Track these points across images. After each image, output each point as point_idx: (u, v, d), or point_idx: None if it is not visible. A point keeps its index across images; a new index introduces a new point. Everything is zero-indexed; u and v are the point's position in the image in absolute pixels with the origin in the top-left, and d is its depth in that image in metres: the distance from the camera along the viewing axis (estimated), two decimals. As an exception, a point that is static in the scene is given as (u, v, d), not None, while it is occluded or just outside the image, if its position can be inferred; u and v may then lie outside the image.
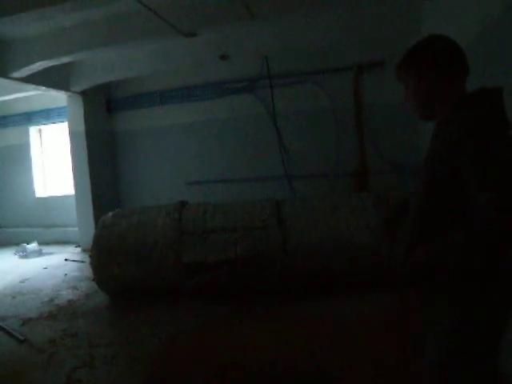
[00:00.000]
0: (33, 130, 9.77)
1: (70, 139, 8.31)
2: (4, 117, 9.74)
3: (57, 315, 4.59)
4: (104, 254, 4.74)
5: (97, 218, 6.94)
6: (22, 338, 3.95)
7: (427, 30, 5.45)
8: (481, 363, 1.51)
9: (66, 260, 7.33)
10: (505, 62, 3.55)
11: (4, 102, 8.80)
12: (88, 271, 5.76)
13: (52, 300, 5.13)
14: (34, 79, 6.86)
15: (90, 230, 6.83)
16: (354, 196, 5.01)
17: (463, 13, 4.20)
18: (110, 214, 5.13)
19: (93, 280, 5.05)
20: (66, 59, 6.38)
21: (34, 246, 8.28)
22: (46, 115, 9.39)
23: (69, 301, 5.05)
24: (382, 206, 4.52)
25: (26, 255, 7.92)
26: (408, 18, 5.81)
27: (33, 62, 6.19)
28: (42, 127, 9.81)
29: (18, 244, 8.35)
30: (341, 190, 7.12)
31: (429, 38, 1.65)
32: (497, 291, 1.47)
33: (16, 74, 6.40)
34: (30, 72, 6.48)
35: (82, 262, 7.05)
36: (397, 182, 6.81)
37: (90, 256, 4.93)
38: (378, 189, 6.60)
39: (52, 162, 9.97)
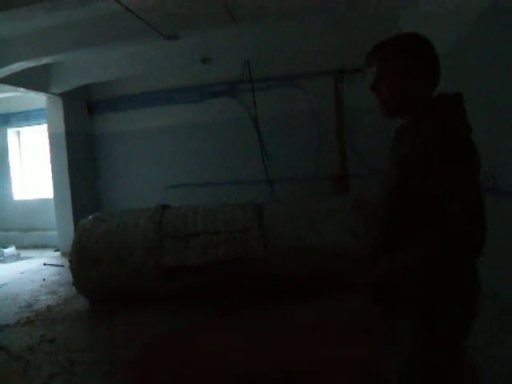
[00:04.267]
0: (11, 132, 9.59)
1: (50, 141, 8.19)
2: (-19, 118, 9.53)
3: (35, 321, 4.51)
4: (83, 258, 4.68)
5: (76, 221, 6.83)
6: (-1, 345, 3.87)
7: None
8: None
9: (44, 264, 7.20)
10: (480, 66, 3.65)
11: (-19, 103, 8.62)
12: (67, 276, 5.67)
13: (30, 305, 5.03)
14: (13, 80, 6.74)
15: (70, 234, 6.73)
16: (334, 199, 5.06)
17: (441, 21, 4.31)
18: (90, 217, 5.07)
19: (72, 285, 4.97)
20: (45, 60, 6.28)
21: (11, 250, 8.14)
22: (24, 117, 9.22)
23: (47, 306, 4.96)
24: (361, 208, 4.58)
25: (3, 260, 7.76)
26: (387, 26, 5.90)
27: (11, 63, 6.08)
28: (21, 129, 9.64)
29: (-6, 248, 8.17)
30: (322, 193, 7.17)
31: (414, 34, 1.55)
32: (461, 306, 1.45)
33: (-6, 75, 6.30)
34: (9, 72, 6.37)
35: (61, 266, 6.93)
36: (377, 185, 6.88)
37: (70, 260, 4.86)
38: (358, 192, 6.67)
39: (31, 164, 9.79)
